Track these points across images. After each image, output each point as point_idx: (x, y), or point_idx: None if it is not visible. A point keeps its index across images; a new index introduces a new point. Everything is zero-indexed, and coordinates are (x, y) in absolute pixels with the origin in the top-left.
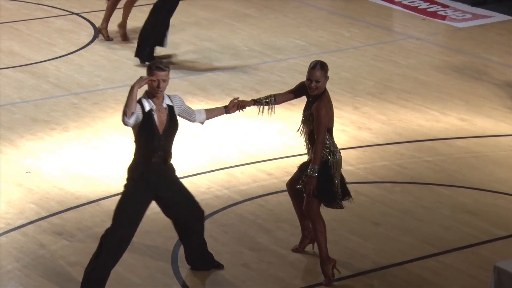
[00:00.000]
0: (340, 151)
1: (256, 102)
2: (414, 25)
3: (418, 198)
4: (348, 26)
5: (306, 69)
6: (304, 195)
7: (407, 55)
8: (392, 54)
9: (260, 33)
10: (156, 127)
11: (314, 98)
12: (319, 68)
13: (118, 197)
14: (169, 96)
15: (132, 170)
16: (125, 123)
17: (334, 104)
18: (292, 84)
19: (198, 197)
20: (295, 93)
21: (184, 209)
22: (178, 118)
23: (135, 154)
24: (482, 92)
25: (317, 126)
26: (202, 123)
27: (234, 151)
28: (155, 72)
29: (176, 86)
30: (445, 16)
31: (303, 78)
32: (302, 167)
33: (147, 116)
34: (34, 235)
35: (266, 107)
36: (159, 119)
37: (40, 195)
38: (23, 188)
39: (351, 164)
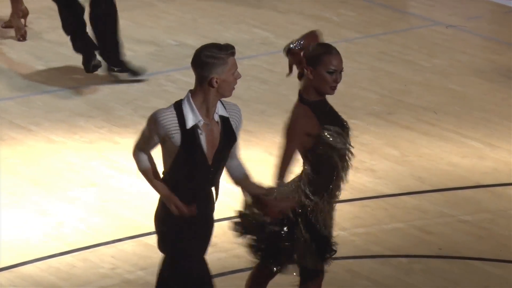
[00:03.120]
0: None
1: None
2: (443, 4)
3: (452, 282)
4: (338, 7)
5: (271, 75)
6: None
7: (431, 52)
8: (408, 50)
9: (197, 18)
10: (203, 152)
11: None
12: (337, 51)
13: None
14: (222, 103)
15: (163, 220)
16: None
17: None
18: (249, 99)
19: None
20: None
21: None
22: None
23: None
24: None
25: None
26: (234, 181)
27: None
28: (232, 60)
29: (63, 105)
30: None
31: (267, 88)
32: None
33: (189, 134)
34: None
35: None
36: (208, 139)
37: None
38: None
39: (343, 227)
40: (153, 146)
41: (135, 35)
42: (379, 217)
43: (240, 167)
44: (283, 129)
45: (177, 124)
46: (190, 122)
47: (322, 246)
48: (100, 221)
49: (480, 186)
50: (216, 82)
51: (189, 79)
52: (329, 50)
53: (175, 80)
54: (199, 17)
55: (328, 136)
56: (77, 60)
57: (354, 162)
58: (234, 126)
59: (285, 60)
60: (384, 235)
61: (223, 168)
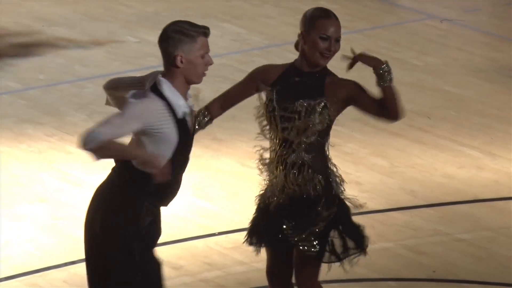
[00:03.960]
0: None
1: None
2: None
3: None
4: None
5: (243, 75)
6: None
7: (424, 49)
8: (398, 47)
9: (160, 11)
10: (192, 140)
11: (313, 76)
12: (336, 17)
13: None
14: None
15: (131, 220)
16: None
17: None
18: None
19: None
20: (246, 88)
21: None
22: None
23: (132, 192)
24: None
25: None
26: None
27: None
28: (202, 39)
29: (8, 110)
30: None
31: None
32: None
33: (182, 124)
34: None
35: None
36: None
37: None
38: None
39: None
40: (121, 137)
41: (88, 31)
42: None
43: None
44: None
45: (167, 114)
46: (181, 110)
47: None
48: (50, 241)
49: (478, 201)
50: (181, 61)
51: None
52: (325, 14)
53: None
54: (162, 10)
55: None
56: (24, 59)
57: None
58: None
59: (259, 60)
60: (371, 256)
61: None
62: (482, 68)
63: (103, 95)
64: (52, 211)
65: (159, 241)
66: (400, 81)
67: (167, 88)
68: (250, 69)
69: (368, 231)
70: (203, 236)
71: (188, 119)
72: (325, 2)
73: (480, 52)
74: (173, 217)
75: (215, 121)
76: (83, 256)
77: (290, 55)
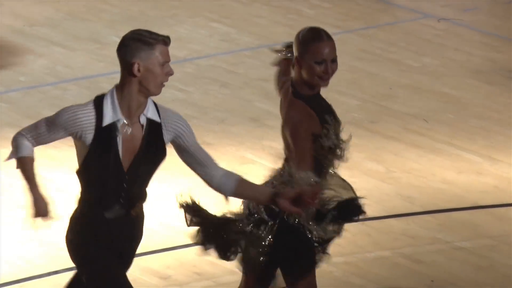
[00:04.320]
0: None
1: None
2: None
3: None
4: None
5: (232, 77)
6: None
7: (420, 49)
8: (393, 47)
9: (146, 10)
10: (117, 155)
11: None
12: (328, 37)
13: None
14: (156, 106)
15: (76, 223)
16: None
17: None
18: (207, 106)
19: None
20: None
21: None
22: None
23: (80, 199)
24: None
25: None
26: (225, 195)
27: None
28: (161, 48)
29: None
30: None
31: (227, 93)
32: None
33: (104, 134)
34: None
35: None
36: (125, 142)
37: None
38: None
39: None
40: (47, 141)
41: (72, 31)
42: (361, 244)
43: (228, 175)
44: (285, 129)
45: (94, 122)
46: (107, 119)
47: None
48: (33, 250)
49: (478, 207)
50: (138, 70)
51: None
52: (317, 36)
53: None
54: (148, 10)
55: (325, 137)
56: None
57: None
58: (166, 137)
59: (249, 61)
60: (367, 265)
61: (144, 181)
62: (481, 69)
63: (87, 98)
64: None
65: (147, 249)
66: (396, 82)
67: (109, 96)
68: (239, 70)
69: (364, 239)
70: (192, 244)
71: (118, 132)
72: (318, 1)
73: (479, 53)
74: (162, 226)
75: (203, 124)
76: (67, 265)
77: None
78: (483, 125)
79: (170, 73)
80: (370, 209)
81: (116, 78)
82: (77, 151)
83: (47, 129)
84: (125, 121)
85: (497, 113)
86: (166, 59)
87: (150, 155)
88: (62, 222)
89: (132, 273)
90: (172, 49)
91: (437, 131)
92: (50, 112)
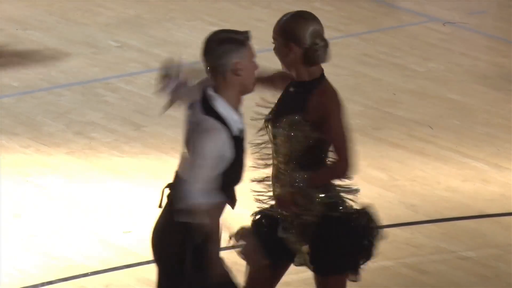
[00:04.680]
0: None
1: None
2: None
3: None
4: (313, 0)
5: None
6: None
7: (425, 54)
8: (397, 52)
9: (142, 13)
10: (245, 160)
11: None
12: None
13: None
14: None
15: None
16: None
17: None
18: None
19: None
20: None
21: None
22: None
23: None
24: None
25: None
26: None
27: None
28: (249, 44)
29: None
30: None
31: None
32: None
33: (237, 141)
34: None
35: None
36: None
37: None
38: None
39: None
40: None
41: (66, 35)
42: None
43: None
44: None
45: (227, 136)
46: (234, 128)
47: None
48: (26, 259)
49: (484, 216)
50: (240, 69)
51: (133, 87)
52: (312, 17)
53: (116, 89)
54: (144, 13)
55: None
56: None
57: None
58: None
59: None
60: (369, 275)
61: None
62: (488, 75)
63: (82, 103)
64: (28, 227)
65: (144, 259)
66: (400, 88)
67: (221, 105)
68: None
69: None
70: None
71: (243, 135)
72: (319, 4)
73: (485, 58)
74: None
75: None
76: (61, 275)
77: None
78: (490, 132)
79: (257, 67)
80: (380, 211)
81: (112, 83)
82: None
83: (209, 172)
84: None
85: (504, 120)
86: (254, 55)
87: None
88: (56, 231)
89: (128, 284)
90: (170, 54)
91: (443, 138)
92: (44, 118)
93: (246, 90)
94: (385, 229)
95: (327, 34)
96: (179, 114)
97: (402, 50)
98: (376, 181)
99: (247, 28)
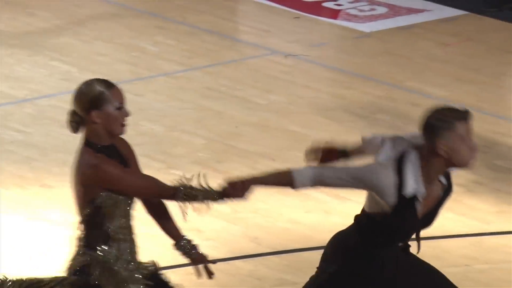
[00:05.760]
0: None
1: None
2: (280, 29)
3: None
4: (155, 33)
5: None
6: None
7: (267, 86)
8: (239, 84)
9: None
10: (416, 219)
11: None
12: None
13: None
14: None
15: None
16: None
17: None
18: (46, 148)
19: None
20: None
21: None
22: None
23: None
24: None
25: None
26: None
27: None
28: (465, 124)
29: None
30: (338, 11)
31: (69, 134)
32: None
33: (405, 201)
34: None
35: None
36: (423, 208)
37: None
38: None
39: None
40: (337, 185)
41: None
42: (207, 286)
43: None
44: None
45: (394, 188)
46: (409, 190)
47: None
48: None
49: None
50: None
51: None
52: (107, 84)
53: None
54: None
55: None
56: None
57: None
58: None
59: None
60: None
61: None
62: (330, 107)
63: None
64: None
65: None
66: (242, 121)
67: (410, 166)
68: None
69: (210, 282)
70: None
71: (417, 204)
72: (162, 38)
73: (327, 89)
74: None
75: (42, 165)
76: None
77: (129, 97)
78: None
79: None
80: (217, 251)
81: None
82: (370, 197)
83: (345, 178)
84: (425, 191)
85: None
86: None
87: (433, 216)
88: (55, 252)
89: None
90: (11, 89)
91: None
92: None
93: (453, 166)
94: (229, 262)
95: (170, 68)
96: None
97: (244, 83)
98: (219, 214)
99: (89, 63)
